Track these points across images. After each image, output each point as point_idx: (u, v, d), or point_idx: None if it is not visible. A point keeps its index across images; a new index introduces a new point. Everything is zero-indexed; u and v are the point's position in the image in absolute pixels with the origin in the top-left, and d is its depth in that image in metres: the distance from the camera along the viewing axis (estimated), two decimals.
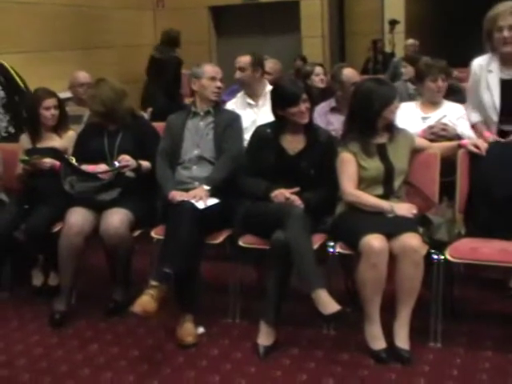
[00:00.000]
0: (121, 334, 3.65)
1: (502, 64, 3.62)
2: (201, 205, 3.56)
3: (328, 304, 3.12)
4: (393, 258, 3.18)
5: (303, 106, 3.51)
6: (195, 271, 3.51)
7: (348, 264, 3.62)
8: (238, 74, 4.53)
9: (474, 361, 3.20)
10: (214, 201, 3.66)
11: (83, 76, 5.43)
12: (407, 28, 10.74)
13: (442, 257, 3.26)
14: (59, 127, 4.24)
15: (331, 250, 3.39)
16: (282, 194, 3.47)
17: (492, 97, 3.64)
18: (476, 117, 3.84)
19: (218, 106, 4.07)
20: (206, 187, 3.70)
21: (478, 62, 3.73)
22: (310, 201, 3.48)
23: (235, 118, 4.01)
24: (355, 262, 3.27)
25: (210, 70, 3.97)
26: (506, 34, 3.52)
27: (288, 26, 10.32)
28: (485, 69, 3.67)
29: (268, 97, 4.44)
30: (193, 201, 3.57)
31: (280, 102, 3.57)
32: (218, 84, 3.95)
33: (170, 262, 3.30)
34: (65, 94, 5.62)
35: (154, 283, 3.27)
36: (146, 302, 3.21)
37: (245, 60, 4.50)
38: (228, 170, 3.79)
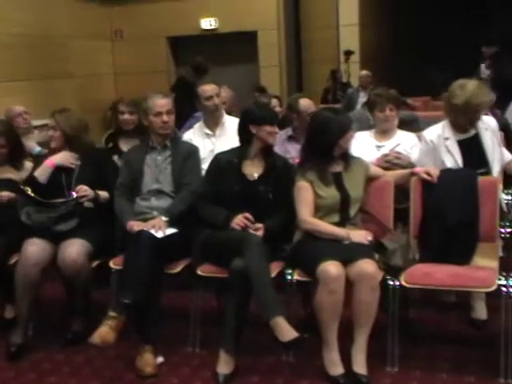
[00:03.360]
0: (79, 365, 3.61)
1: (454, 129, 3.85)
2: (159, 234, 3.58)
3: (286, 331, 3.15)
4: (350, 284, 3.24)
5: (276, 128, 3.65)
6: (155, 301, 3.50)
7: (306, 291, 3.66)
8: (206, 102, 4.51)
9: (430, 383, 3.25)
10: (172, 230, 3.67)
11: (17, 107, 5.61)
12: (362, 58, 10.99)
13: (398, 282, 3.33)
14: (14, 159, 4.21)
15: (289, 277, 3.43)
16: (240, 220, 3.51)
17: (455, 158, 3.79)
18: None
19: (175, 138, 4.09)
20: (164, 218, 3.72)
21: (434, 133, 3.90)
22: (270, 228, 3.53)
23: (193, 151, 4.02)
24: (313, 289, 3.32)
25: (154, 105, 3.89)
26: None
27: (246, 56, 10.45)
28: (442, 136, 3.85)
29: (225, 126, 4.55)
30: (151, 230, 3.58)
31: (258, 119, 3.61)
32: (164, 119, 3.87)
33: (129, 292, 3.30)
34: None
35: (112, 314, 3.26)
36: (104, 332, 3.20)
37: (212, 89, 4.53)
38: (187, 203, 3.80)
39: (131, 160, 4.00)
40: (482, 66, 8.99)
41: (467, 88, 3.71)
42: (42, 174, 3.93)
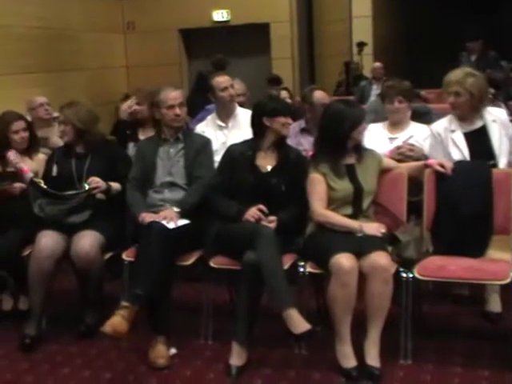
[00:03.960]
0: (92, 357, 3.63)
1: (461, 121, 3.85)
2: (171, 225, 3.58)
3: (299, 323, 3.15)
4: (363, 277, 3.23)
5: (289, 119, 3.64)
6: (167, 292, 3.51)
7: (319, 283, 3.66)
8: (222, 93, 4.50)
9: (443, 377, 3.25)
10: (184, 221, 3.67)
11: (39, 97, 5.42)
12: (375, 50, 10.93)
13: (411, 275, 3.32)
14: (30, 150, 4.23)
15: (302, 269, 3.42)
16: (254, 212, 3.50)
17: (461, 151, 3.79)
18: None
19: (187, 130, 4.09)
20: (176, 209, 3.72)
21: (441, 126, 3.91)
22: (283, 220, 3.52)
23: (206, 143, 4.02)
24: (326, 282, 3.31)
25: (166, 98, 3.88)
26: (451, 99, 3.80)
27: (258, 48, 10.42)
28: (448, 129, 3.85)
29: (238, 118, 4.54)
30: (163, 221, 3.58)
31: (271, 111, 3.61)
32: (177, 111, 3.87)
33: (142, 284, 3.31)
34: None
35: (125, 304, 3.27)
36: (117, 322, 3.20)
37: (226, 80, 4.53)
38: (200, 196, 3.80)
39: (144, 152, 4.00)
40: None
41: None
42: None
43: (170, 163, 3.92)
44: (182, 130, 3.98)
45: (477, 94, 3.74)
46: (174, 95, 3.90)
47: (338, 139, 3.47)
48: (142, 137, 4.56)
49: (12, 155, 4.08)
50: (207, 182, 3.81)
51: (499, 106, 4.07)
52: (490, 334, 3.67)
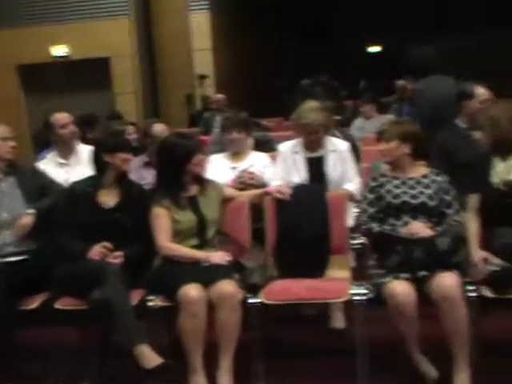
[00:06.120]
0: None
1: (306, 147, 4.16)
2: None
3: (150, 358, 3.15)
4: (213, 306, 3.28)
5: (130, 155, 3.68)
6: (9, 339, 3.36)
7: (169, 316, 3.66)
8: (62, 131, 4.44)
9: None
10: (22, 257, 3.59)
11: None
12: (217, 82, 11.20)
13: (258, 300, 3.41)
14: None
15: (151, 303, 3.41)
16: (97, 250, 3.47)
17: (300, 174, 4.08)
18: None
19: (15, 164, 3.98)
20: (31, 210, 3.67)
21: (288, 146, 4.22)
22: (129, 255, 3.51)
23: (38, 176, 3.94)
24: (176, 314, 3.32)
25: (1, 131, 3.84)
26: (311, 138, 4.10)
27: (100, 83, 10.34)
28: (293, 151, 4.16)
29: (79, 155, 4.48)
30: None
31: (111, 147, 3.62)
32: (11, 143, 3.82)
33: None
34: None
35: None
36: None
37: (66, 117, 4.47)
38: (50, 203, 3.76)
39: None
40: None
41: (300, 109, 4.08)
42: None
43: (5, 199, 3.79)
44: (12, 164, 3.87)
45: (325, 128, 4.09)
46: (6, 129, 3.86)
47: (173, 172, 3.53)
48: None
49: None
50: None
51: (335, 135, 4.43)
52: (336, 350, 3.83)
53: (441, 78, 4.96)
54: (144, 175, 4.51)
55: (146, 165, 4.62)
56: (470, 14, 15.72)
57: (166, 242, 3.47)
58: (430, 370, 3.27)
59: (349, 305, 3.52)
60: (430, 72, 4.94)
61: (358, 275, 3.66)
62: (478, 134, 3.95)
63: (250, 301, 3.40)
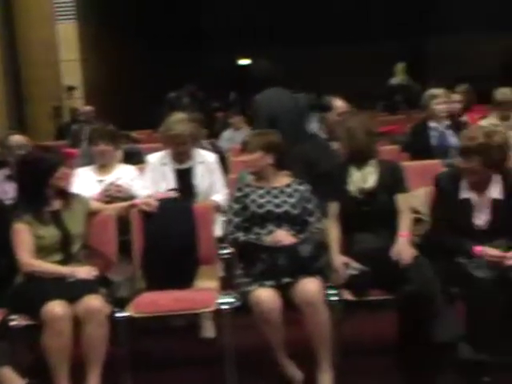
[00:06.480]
0: None
1: (174, 159, 4.23)
2: None
3: (12, 380, 3.07)
4: (78, 322, 3.22)
5: None
6: None
7: (33, 335, 3.55)
8: None
9: None
10: None
11: None
12: (86, 93, 10.98)
13: (125, 313, 3.38)
14: None
15: (13, 323, 3.29)
16: None
17: (169, 185, 4.11)
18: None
19: None
20: None
21: (156, 157, 4.28)
22: None
23: None
24: (40, 332, 3.23)
25: None
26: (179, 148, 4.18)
27: None
28: (161, 162, 4.22)
29: None
30: None
31: None
32: None
33: None
34: None
35: None
36: None
37: None
38: None
39: None
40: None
41: (168, 120, 4.15)
42: None
43: None
44: None
45: (193, 139, 4.21)
46: None
47: (35, 186, 3.45)
48: None
49: None
50: None
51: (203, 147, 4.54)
52: (206, 359, 3.85)
53: (278, 90, 5.13)
54: (6, 189, 4.37)
55: (9, 178, 4.47)
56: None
57: (27, 258, 3.37)
58: (296, 373, 3.37)
59: (218, 314, 3.57)
60: (268, 85, 5.10)
61: (227, 284, 3.73)
62: (336, 145, 4.14)
63: (118, 315, 3.38)
